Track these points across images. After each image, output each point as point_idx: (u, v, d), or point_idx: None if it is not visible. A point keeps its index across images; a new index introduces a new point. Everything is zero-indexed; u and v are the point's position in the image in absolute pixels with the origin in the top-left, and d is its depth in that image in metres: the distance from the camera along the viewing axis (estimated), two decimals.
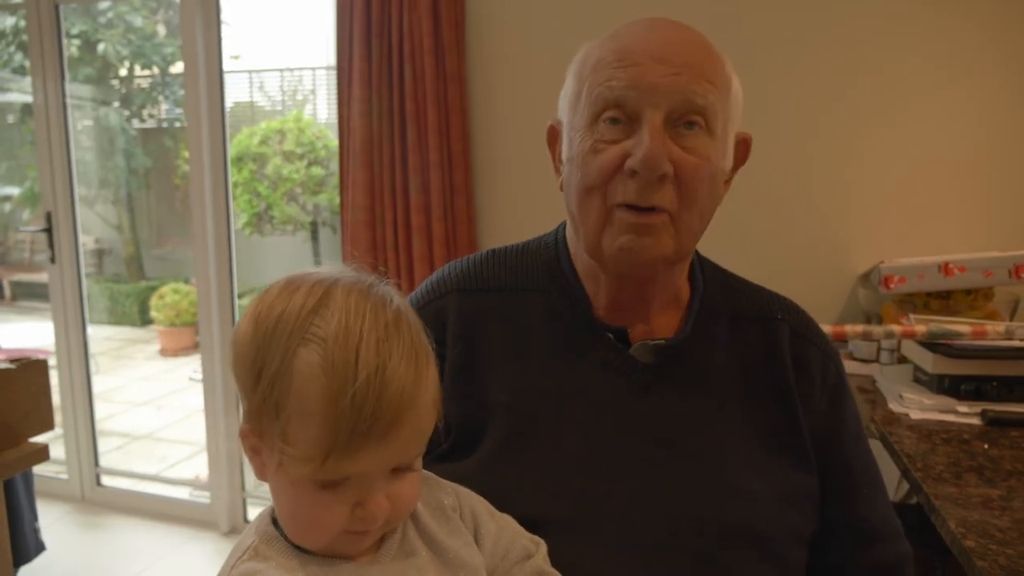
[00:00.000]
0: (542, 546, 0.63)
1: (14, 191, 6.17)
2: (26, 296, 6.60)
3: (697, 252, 0.81)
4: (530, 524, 0.65)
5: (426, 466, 0.61)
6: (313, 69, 6.39)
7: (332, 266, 0.58)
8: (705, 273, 0.80)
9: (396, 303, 0.55)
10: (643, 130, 0.66)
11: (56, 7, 2.63)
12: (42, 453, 1.50)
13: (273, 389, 0.51)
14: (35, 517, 1.90)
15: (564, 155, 0.73)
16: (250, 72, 6.41)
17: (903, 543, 0.75)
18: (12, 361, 1.46)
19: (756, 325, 0.77)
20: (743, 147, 0.76)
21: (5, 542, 1.52)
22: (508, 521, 0.64)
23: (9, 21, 5.03)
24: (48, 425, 1.55)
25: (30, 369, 1.49)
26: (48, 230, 2.73)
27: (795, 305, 0.81)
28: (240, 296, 2.71)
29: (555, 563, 0.63)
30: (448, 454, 0.70)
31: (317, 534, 0.53)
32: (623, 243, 0.68)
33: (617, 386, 0.71)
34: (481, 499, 0.64)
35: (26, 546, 1.83)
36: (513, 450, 0.69)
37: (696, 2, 1.90)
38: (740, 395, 0.73)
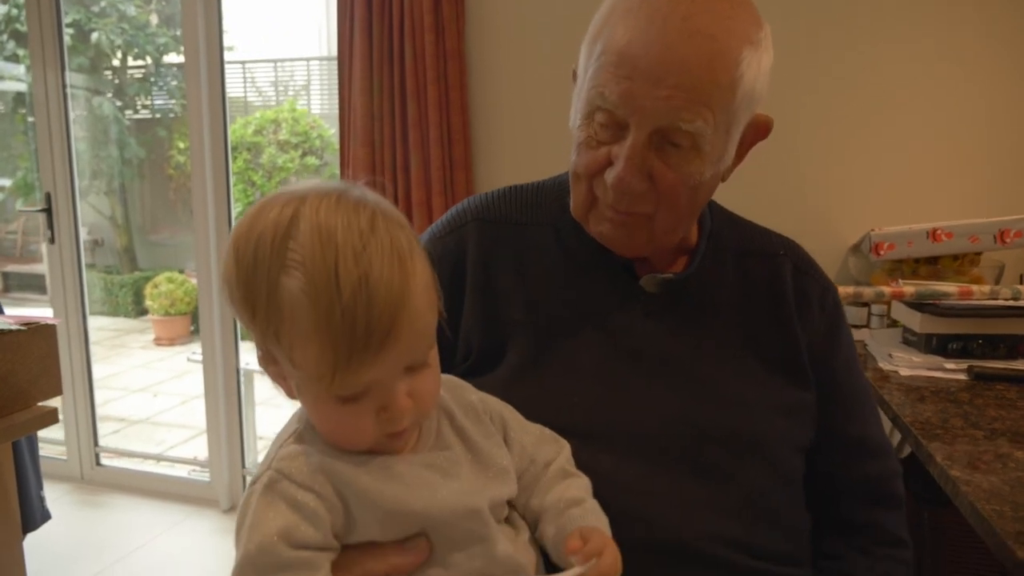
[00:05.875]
0: (565, 448, 0.67)
1: (6, 182, 6.15)
2: (18, 287, 6.57)
3: None
4: None
5: None
6: (307, 60, 6.40)
7: (303, 182, 0.57)
8: (713, 214, 0.84)
9: (370, 204, 0.54)
10: (625, 145, 0.67)
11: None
12: (51, 416, 1.53)
13: (269, 321, 0.52)
14: (40, 486, 1.91)
15: (571, 115, 0.74)
16: (243, 63, 6.42)
17: (892, 460, 0.80)
18: (22, 324, 1.49)
19: (760, 260, 0.81)
20: (763, 129, 0.74)
21: (14, 504, 1.55)
22: (533, 428, 0.68)
23: (2, 9, 5.02)
24: (56, 389, 1.57)
25: (39, 333, 1.51)
26: (47, 210, 2.74)
27: (797, 244, 0.86)
28: None
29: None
30: (472, 370, 0.74)
31: (353, 444, 0.56)
32: (602, 231, 0.74)
33: (625, 310, 0.76)
34: (508, 406, 0.68)
35: (32, 514, 1.85)
36: (532, 366, 0.73)
37: None
38: (742, 321, 0.78)
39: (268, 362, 0.57)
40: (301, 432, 0.58)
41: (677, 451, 0.70)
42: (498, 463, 0.61)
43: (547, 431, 0.68)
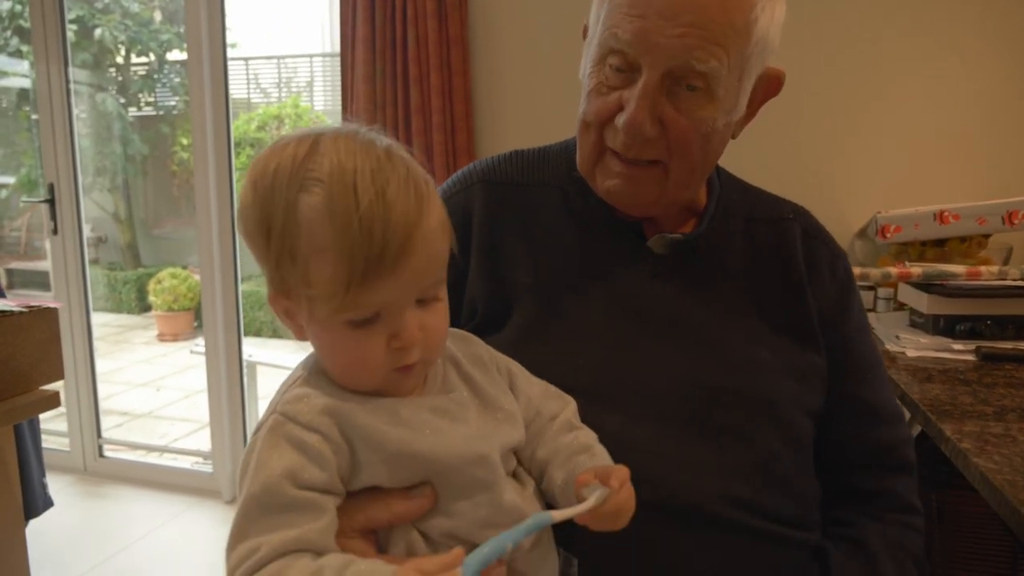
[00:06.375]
0: (571, 403, 0.67)
1: (9, 180, 6.15)
2: (21, 284, 6.58)
3: None
4: None
5: None
6: (310, 57, 6.40)
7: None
8: (722, 178, 0.83)
9: (386, 141, 0.55)
10: (637, 88, 0.66)
11: None
12: (53, 400, 1.52)
13: (284, 239, 0.52)
14: (43, 473, 1.91)
15: (581, 66, 0.75)
16: (246, 60, 6.42)
17: (904, 427, 0.79)
18: (24, 307, 1.48)
19: (769, 224, 0.80)
20: (775, 84, 0.74)
21: (16, 489, 1.54)
22: (540, 382, 0.67)
23: (5, 5, 5.02)
24: (58, 373, 1.56)
25: (41, 316, 1.50)
26: (51, 201, 2.74)
27: (806, 210, 0.85)
28: (243, 280, 2.74)
29: None
30: (478, 331, 0.72)
31: (363, 375, 0.55)
32: (610, 186, 0.72)
33: (632, 271, 0.75)
34: (514, 362, 0.67)
35: (35, 500, 1.85)
36: (538, 327, 0.72)
37: None
38: (750, 285, 0.77)
39: (279, 298, 0.56)
40: (307, 377, 0.57)
41: (685, 412, 0.69)
42: (505, 407, 0.61)
43: (552, 387, 0.67)
